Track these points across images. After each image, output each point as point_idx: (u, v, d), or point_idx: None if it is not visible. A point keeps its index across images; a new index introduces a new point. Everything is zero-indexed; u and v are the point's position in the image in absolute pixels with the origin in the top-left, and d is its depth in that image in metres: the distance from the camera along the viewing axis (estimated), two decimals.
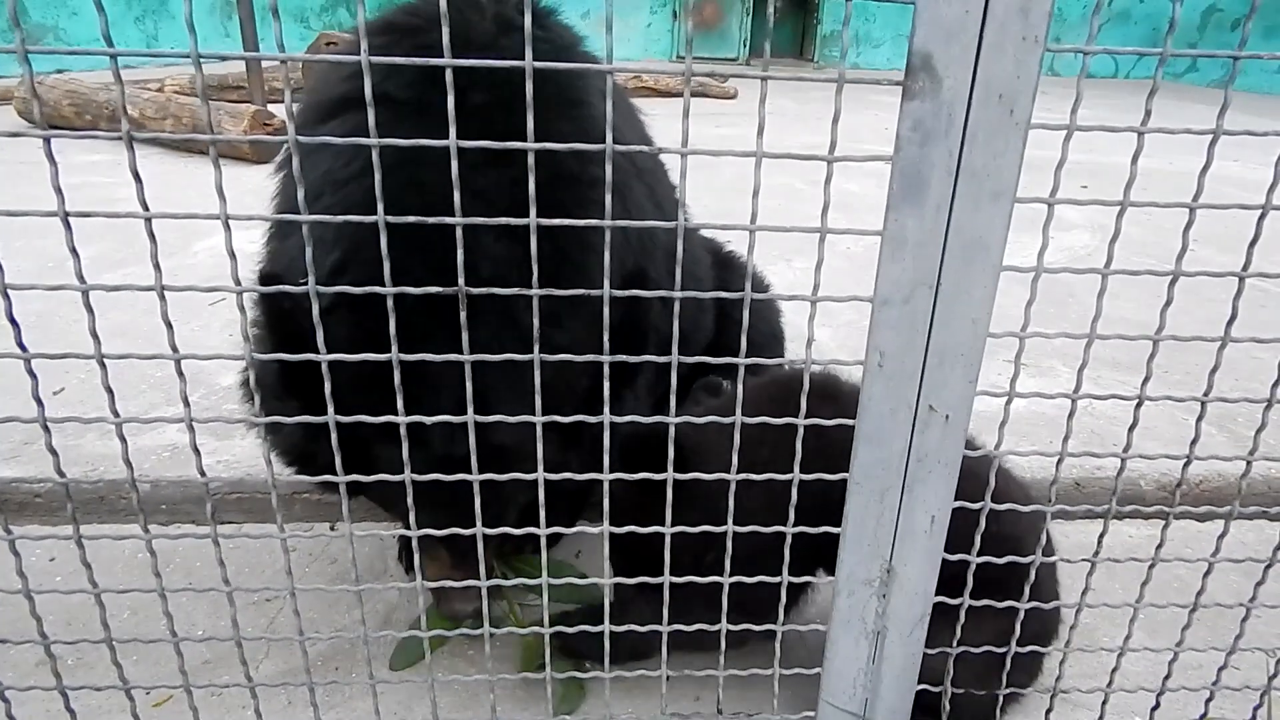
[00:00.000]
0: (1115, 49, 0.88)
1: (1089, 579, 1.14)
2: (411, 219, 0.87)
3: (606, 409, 0.97)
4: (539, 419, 0.97)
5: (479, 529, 1.02)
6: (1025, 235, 1.00)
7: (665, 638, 1.13)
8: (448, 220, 0.86)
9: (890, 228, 0.94)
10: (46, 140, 0.81)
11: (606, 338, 0.94)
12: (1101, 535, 1.12)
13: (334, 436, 0.96)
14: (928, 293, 0.96)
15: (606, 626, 1.17)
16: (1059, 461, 1.08)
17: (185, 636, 1.06)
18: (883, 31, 14.04)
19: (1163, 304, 1.00)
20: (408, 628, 1.54)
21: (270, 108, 5.98)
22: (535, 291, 0.92)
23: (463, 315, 0.91)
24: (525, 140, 0.82)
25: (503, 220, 0.88)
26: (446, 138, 0.82)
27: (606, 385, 0.97)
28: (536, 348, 0.95)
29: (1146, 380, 1.02)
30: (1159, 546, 1.12)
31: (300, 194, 0.86)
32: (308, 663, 1.06)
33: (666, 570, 1.08)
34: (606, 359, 0.97)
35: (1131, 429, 1.05)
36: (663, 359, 0.97)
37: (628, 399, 1.31)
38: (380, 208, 0.84)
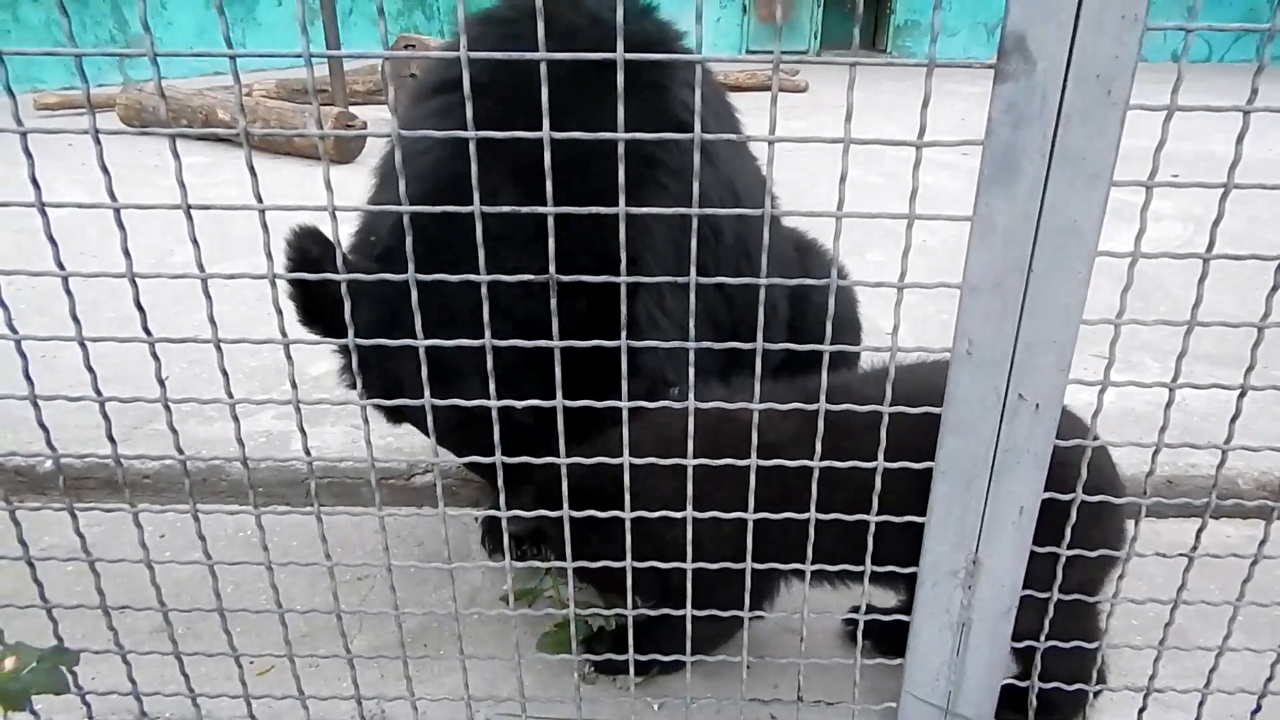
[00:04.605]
0: (1218, 25, 0.85)
1: (1185, 576, 1.11)
2: (508, 208, 0.90)
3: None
4: (627, 404, 0.99)
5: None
6: (1109, 225, 0.96)
7: (746, 624, 1.15)
8: (540, 209, 0.89)
9: (980, 212, 0.93)
10: (172, 139, 0.88)
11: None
12: (1200, 530, 1.08)
13: (430, 418, 1.00)
14: (1019, 279, 0.95)
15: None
16: (1155, 453, 1.05)
17: (288, 609, 1.12)
18: (958, 20, 13.67)
19: (1267, 290, 0.96)
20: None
21: (351, 109, 6.17)
22: (623, 279, 0.94)
23: (553, 302, 0.94)
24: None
25: (591, 209, 0.91)
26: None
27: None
28: (624, 335, 0.97)
29: (1250, 369, 0.99)
30: (1263, 542, 1.08)
31: (402, 186, 0.90)
32: (403, 637, 1.10)
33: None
34: (692, 345, 0.98)
35: (1234, 420, 1.01)
36: (747, 346, 0.99)
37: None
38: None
